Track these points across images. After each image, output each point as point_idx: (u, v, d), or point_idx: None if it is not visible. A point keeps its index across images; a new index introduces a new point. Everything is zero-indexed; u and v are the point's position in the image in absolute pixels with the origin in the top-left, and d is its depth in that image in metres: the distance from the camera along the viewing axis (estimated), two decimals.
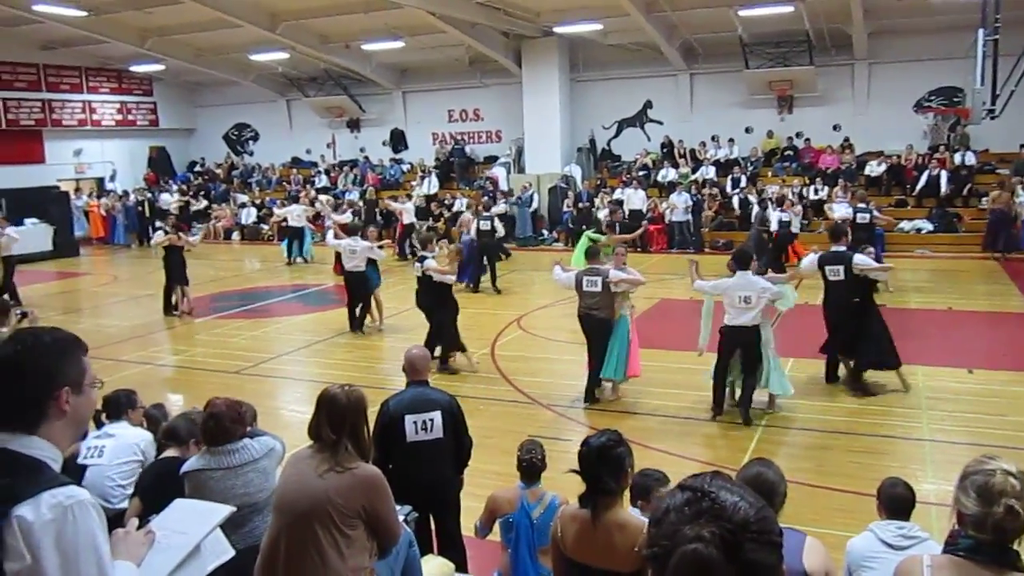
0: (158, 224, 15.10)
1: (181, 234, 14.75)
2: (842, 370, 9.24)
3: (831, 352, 9.22)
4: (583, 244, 13.12)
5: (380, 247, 13.06)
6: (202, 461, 4.00)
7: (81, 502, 1.92)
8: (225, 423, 4.00)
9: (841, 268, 8.74)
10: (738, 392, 8.32)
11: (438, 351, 10.07)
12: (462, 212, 20.03)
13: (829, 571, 3.23)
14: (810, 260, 9.19)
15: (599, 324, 8.70)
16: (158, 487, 4.07)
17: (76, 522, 1.89)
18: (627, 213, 20.61)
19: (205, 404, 4.14)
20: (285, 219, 21.10)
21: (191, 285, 14.52)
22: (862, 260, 8.78)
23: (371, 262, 12.55)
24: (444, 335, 10.21)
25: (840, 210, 16.52)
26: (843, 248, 8.94)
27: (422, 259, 10.33)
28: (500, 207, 19.90)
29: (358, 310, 12.57)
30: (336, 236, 13.45)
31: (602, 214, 20.96)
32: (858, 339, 8.87)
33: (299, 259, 20.42)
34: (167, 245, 14.21)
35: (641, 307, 13.56)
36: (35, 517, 1.86)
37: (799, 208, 17.76)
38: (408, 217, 20.28)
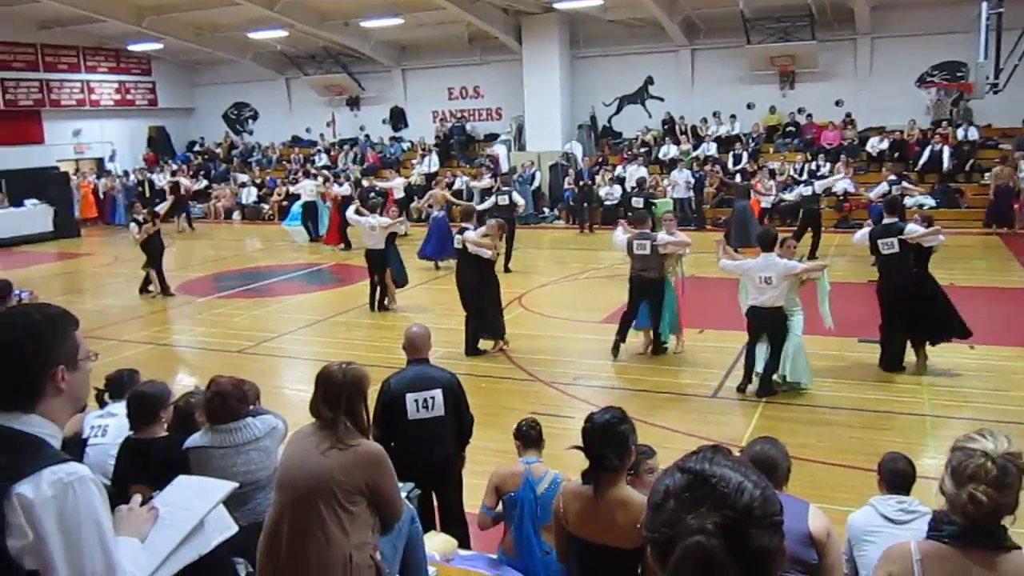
0: (133, 216, 14.59)
1: (157, 211, 14.76)
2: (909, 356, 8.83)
3: (891, 338, 8.80)
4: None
5: (400, 222, 13.23)
6: (205, 438, 4.01)
7: (82, 478, 1.92)
8: (230, 402, 4.01)
9: (895, 240, 8.56)
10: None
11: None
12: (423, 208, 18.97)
13: (831, 534, 3.24)
14: (862, 234, 9.07)
15: (650, 284, 9.30)
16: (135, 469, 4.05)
17: (77, 498, 1.89)
18: (629, 190, 20.60)
19: (208, 382, 4.13)
20: (299, 195, 21.03)
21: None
22: (912, 228, 8.64)
23: (390, 240, 12.58)
24: (485, 320, 9.97)
25: (843, 185, 16.47)
26: (895, 220, 8.79)
27: (462, 231, 10.06)
28: (485, 181, 19.92)
29: (378, 290, 12.56)
30: (358, 212, 13.29)
31: (603, 191, 20.99)
32: (923, 315, 8.58)
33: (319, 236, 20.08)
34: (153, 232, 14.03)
35: None
36: (36, 494, 1.86)
37: (770, 184, 18.06)
38: (398, 193, 20.21)
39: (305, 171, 23.11)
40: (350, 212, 13.64)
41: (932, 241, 8.71)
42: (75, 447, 4.36)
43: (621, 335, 9.61)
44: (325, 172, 22.98)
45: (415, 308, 12.62)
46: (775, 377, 8.21)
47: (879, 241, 8.70)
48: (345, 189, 19.18)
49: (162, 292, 14.20)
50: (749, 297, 8.21)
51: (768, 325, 8.11)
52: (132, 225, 14.32)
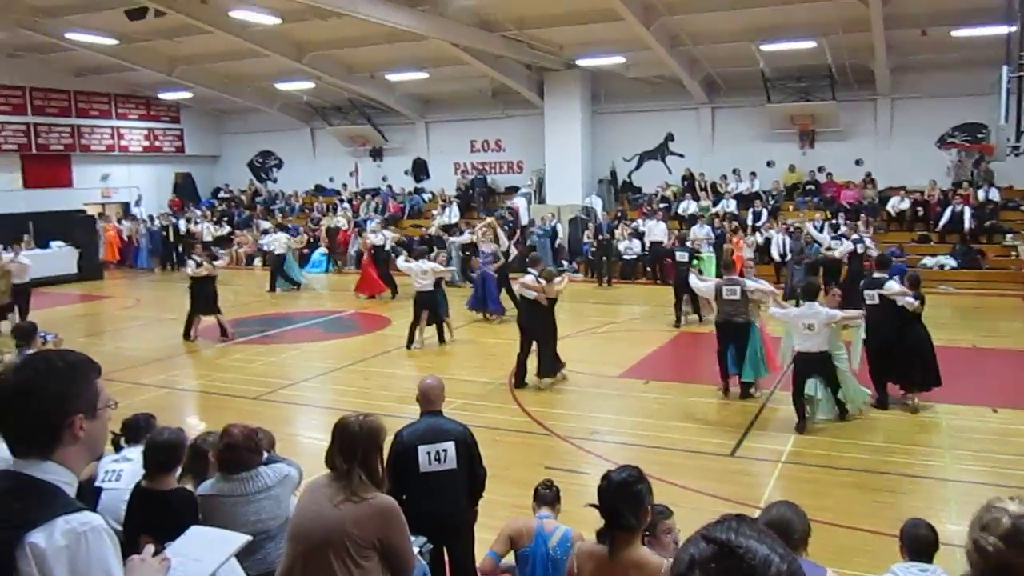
0: (192, 255, 14.80)
1: (216, 263, 14.88)
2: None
3: (876, 378, 9.54)
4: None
5: (450, 269, 14.32)
6: (216, 487, 4.00)
7: (95, 528, 1.92)
8: (242, 453, 3.99)
9: (876, 293, 9.45)
10: (818, 413, 8.94)
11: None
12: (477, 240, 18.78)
13: None
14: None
15: (738, 328, 9.74)
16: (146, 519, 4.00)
17: (89, 548, 1.89)
18: (648, 244, 20.68)
19: (221, 432, 4.12)
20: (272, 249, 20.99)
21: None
22: (890, 285, 9.47)
23: (438, 284, 13.57)
24: (545, 358, 10.77)
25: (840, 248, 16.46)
26: (884, 275, 9.74)
27: (526, 274, 11.10)
28: (465, 237, 20.11)
29: (433, 327, 13.46)
30: (406, 260, 14.35)
31: (622, 245, 21.04)
32: (901, 363, 9.34)
33: (288, 288, 20.40)
34: (203, 276, 14.16)
35: (660, 340, 13.54)
36: (48, 543, 1.85)
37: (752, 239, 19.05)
38: (379, 241, 19.86)
39: (279, 224, 23.28)
40: (400, 260, 14.75)
41: (904, 301, 9.30)
42: (89, 492, 4.34)
43: (724, 378, 10.06)
44: (343, 221, 23.26)
45: (422, 355, 12.63)
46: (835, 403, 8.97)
47: (864, 292, 9.62)
48: (379, 238, 19.33)
49: (184, 335, 14.24)
50: (795, 343, 8.92)
51: (815, 369, 8.75)
52: (190, 262, 14.52)
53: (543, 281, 10.84)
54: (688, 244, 16.77)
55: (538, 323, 10.80)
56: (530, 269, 11.26)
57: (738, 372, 9.96)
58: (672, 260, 16.54)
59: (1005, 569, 2.22)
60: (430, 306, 13.37)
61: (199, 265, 14.21)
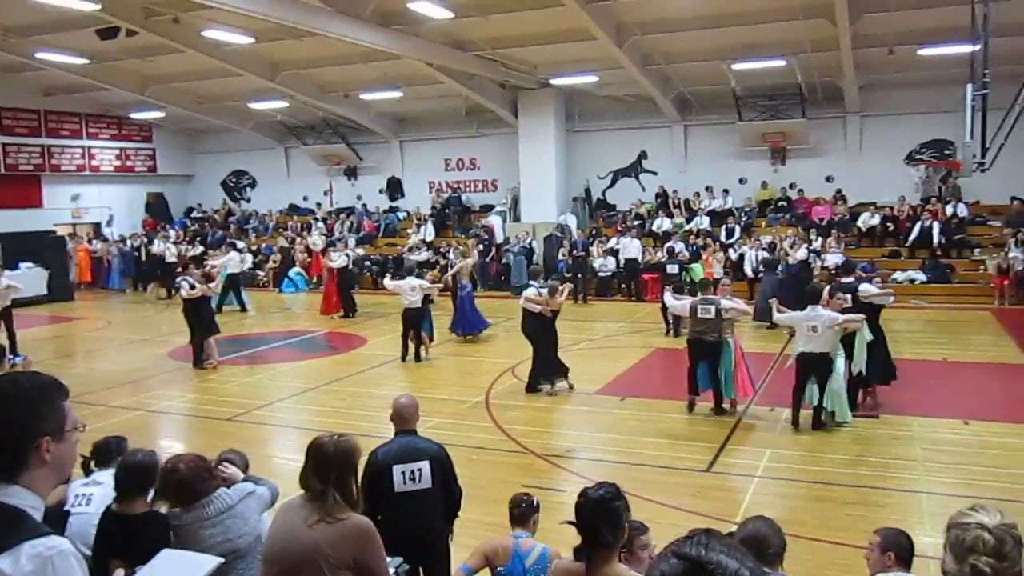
0: (185, 276, 14.14)
1: (211, 275, 14.46)
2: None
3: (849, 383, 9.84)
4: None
5: (436, 281, 15.01)
6: (176, 516, 3.92)
7: (62, 552, 1.88)
8: (194, 486, 3.90)
9: (848, 297, 9.84)
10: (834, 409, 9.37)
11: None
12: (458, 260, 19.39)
13: None
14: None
15: (709, 347, 9.86)
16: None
17: (56, 573, 1.85)
18: (623, 262, 20.79)
19: (168, 468, 4.00)
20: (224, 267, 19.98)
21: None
22: (865, 288, 10.09)
23: (426, 300, 14.04)
24: (546, 364, 11.25)
25: (833, 259, 16.74)
26: (851, 280, 10.39)
27: (528, 287, 11.64)
28: (423, 255, 20.67)
29: (411, 341, 13.74)
30: (391, 279, 15.07)
31: (597, 263, 21.15)
32: (871, 361, 9.95)
33: (236, 307, 19.92)
34: (198, 297, 13.55)
35: (635, 356, 13.59)
36: (14, 569, 1.81)
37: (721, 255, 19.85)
38: (340, 263, 19.50)
39: (230, 243, 23.17)
40: (387, 280, 15.19)
41: (883, 300, 10.39)
42: (58, 517, 4.26)
43: (692, 394, 10.15)
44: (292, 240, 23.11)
45: (396, 378, 12.58)
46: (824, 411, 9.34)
47: (836, 295, 9.81)
48: (342, 260, 19.21)
49: (195, 363, 13.54)
50: (798, 345, 9.38)
51: (816, 369, 9.21)
52: (184, 283, 13.71)
53: (544, 292, 11.24)
54: (677, 255, 17.24)
55: (539, 332, 11.28)
56: (531, 282, 11.66)
57: (710, 388, 10.04)
58: (663, 272, 17.09)
59: None
60: (417, 322, 13.73)
61: (192, 287, 13.52)
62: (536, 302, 11.25)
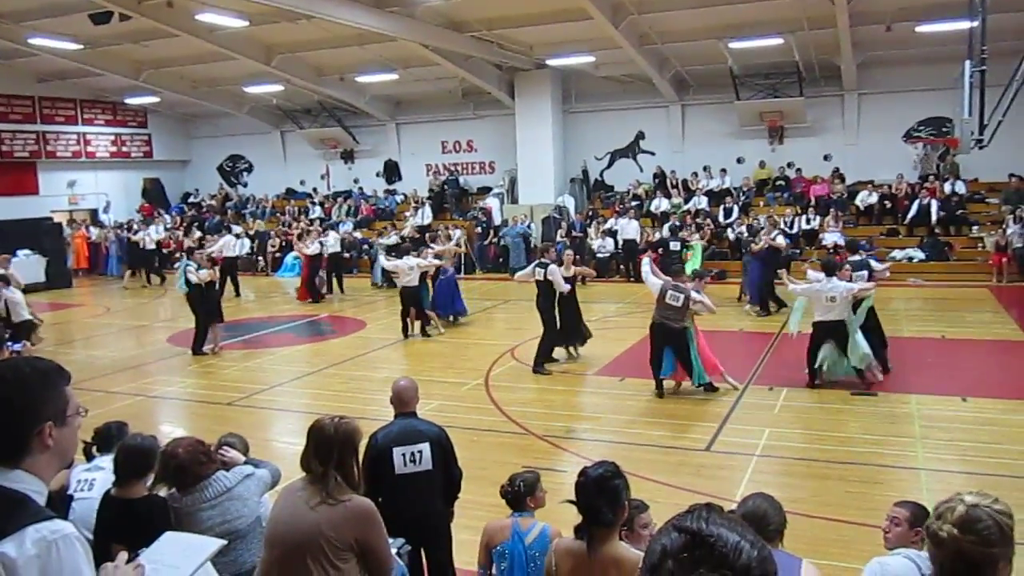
0: (191, 259, 13.69)
1: (216, 259, 14.52)
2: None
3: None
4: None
5: (434, 264, 15.06)
6: (175, 500, 3.94)
7: (66, 536, 1.89)
8: (193, 469, 3.92)
9: (864, 273, 10.61)
10: (825, 369, 10.03)
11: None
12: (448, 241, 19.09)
13: None
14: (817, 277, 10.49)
15: (672, 332, 9.87)
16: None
17: (61, 557, 1.86)
18: (621, 243, 20.78)
19: (167, 452, 4.01)
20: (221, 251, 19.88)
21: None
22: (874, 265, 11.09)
23: (422, 279, 14.42)
24: (565, 333, 11.76)
25: (832, 238, 16.70)
26: (860, 257, 11.14)
27: (544, 265, 11.64)
28: (392, 239, 20.93)
29: (411, 319, 14.25)
30: (388, 258, 15.49)
31: (595, 244, 21.14)
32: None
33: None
34: (208, 281, 13.39)
35: (634, 337, 13.61)
36: (18, 553, 1.82)
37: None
38: (312, 250, 19.40)
39: (226, 227, 22.99)
40: (383, 260, 15.65)
41: (883, 275, 11.40)
42: (61, 502, 4.28)
43: (656, 379, 10.06)
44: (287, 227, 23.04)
45: (396, 360, 12.60)
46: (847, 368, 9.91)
47: (853, 275, 10.48)
48: (314, 248, 19.18)
49: (194, 350, 13.34)
50: (816, 314, 9.89)
51: (833, 335, 9.78)
52: (190, 266, 13.31)
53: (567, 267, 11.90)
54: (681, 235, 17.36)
55: (563, 306, 11.66)
56: (542, 259, 11.75)
57: (671, 373, 10.05)
58: (665, 250, 17.22)
59: (959, 555, 2.22)
60: (415, 300, 14.19)
61: (199, 268, 13.29)
62: (558, 285, 11.54)
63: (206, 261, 13.85)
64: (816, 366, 9.98)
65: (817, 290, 9.84)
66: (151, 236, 23.82)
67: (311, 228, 22.43)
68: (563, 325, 11.80)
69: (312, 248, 19.03)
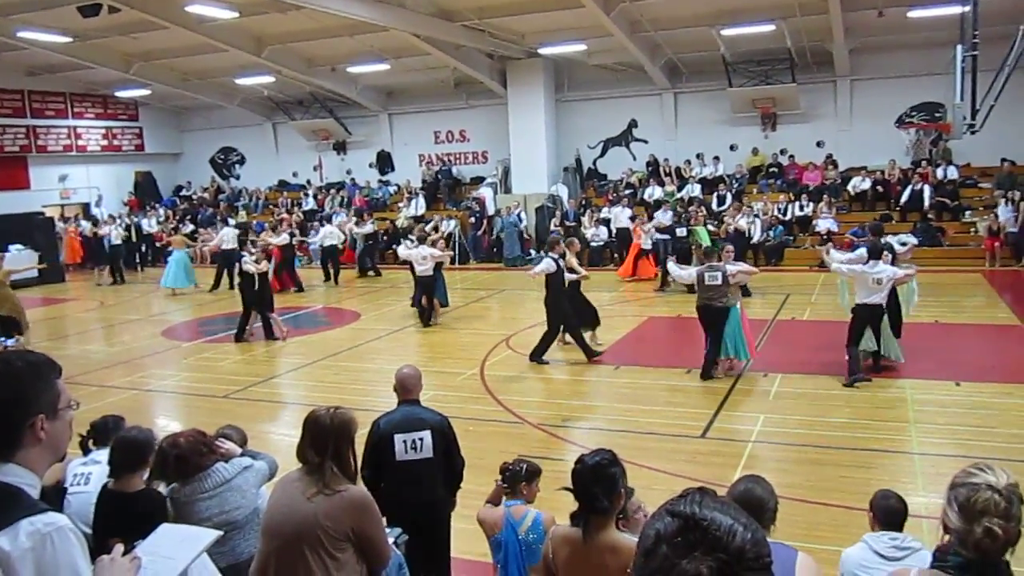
0: (244, 250, 14.22)
1: (270, 251, 14.75)
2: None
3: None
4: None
5: (448, 254, 15.42)
6: (173, 491, 3.94)
7: (60, 528, 1.89)
8: (193, 460, 3.93)
9: (889, 256, 10.32)
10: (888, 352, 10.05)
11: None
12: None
13: None
14: (859, 254, 10.51)
15: (718, 312, 10.02)
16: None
17: (56, 549, 1.86)
18: (614, 231, 20.79)
19: (168, 443, 4.01)
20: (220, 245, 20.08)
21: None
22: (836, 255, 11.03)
23: (438, 268, 14.64)
24: (582, 319, 11.73)
25: (825, 224, 16.74)
26: (884, 240, 10.97)
27: (560, 256, 11.57)
28: (368, 227, 21.31)
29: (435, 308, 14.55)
30: (407, 247, 15.50)
31: (589, 233, 21.14)
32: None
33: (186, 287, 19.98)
34: (263, 272, 13.71)
35: (629, 325, 13.63)
36: (13, 546, 1.82)
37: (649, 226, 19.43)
38: (281, 241, 19.34)
39: (224, 220, 22.82)
40: (401, 249, 15.73)
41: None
42: (56, 495, 4.27)
43: (710, 361, 10.14)
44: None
45: (391, 350, 12.61)
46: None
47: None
48: (284, 239, 19.19)
49: (236, 336, 13.76)
50: (858, 297, 9.74)
51: (872, 319, 9.70)
52: (245, 256, 13.86)
53: (573, 260, 11.80)
54: (685, 219, 17.75)
55: (557, 303, 11.45)
56: (550, 254, 11.55)
57: (713, 353, 10.14)
58: (672, 236, 17.54)
59: (1005, 545, 2.33)
60: (431, 289, 14.49)
61: (257, 261, 13.63)
62: (577, 271, 11.72)
63: (260, 252, 14.39)
64: (874, 350, 9.99)
65: (863, 271, 9.69)
66: (116, 231, 23.22)
67: (282, 218, 22.42)
68: (579, 311, 11.82)
69: (281, 239, 19.06)
